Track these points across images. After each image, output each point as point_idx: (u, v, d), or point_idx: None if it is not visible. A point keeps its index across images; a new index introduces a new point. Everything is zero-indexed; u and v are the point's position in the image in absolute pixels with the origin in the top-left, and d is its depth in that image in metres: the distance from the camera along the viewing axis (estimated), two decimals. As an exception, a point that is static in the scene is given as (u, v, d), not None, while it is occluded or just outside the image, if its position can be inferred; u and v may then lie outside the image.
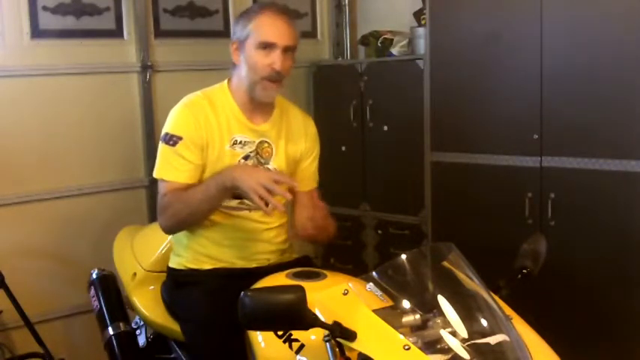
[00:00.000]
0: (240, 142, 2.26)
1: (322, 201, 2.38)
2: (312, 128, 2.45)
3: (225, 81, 2.33)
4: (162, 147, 2.23)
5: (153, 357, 2.57)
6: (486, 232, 3.06)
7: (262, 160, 2.30)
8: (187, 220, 2.23)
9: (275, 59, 2.18)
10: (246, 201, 2.22)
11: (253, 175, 2.05)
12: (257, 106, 2.29)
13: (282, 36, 2.19)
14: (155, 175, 2.25)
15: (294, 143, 2.38)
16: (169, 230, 2.30)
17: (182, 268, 2.35)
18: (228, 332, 2.02)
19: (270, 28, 2.20)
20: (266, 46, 2.19)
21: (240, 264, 2.29)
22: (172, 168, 2.20)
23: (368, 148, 3.77)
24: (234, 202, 2.23)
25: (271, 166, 2.31)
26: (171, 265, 2.40)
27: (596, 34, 2.74)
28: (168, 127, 2.24)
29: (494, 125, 3.06)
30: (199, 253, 2.30)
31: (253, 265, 2.30)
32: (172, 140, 2.19)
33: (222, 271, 2.28)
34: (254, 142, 2.28)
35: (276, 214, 2.33)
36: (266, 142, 2.31)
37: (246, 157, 2.27)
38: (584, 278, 2.83)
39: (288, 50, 2.21)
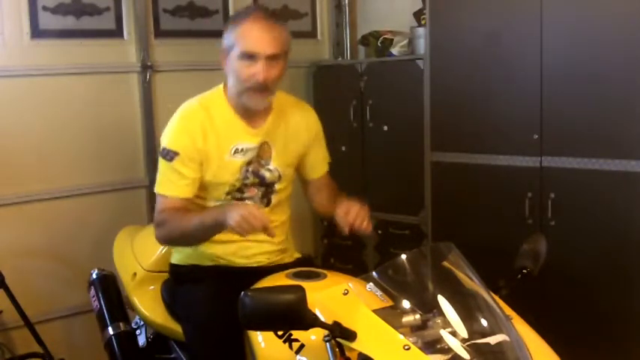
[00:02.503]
0: (242, 150, 2.25)
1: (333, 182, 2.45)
2: (312, 118, 2.43)
3: (221, 85, 2.31)
4: (160, 161, 2.24)
5: (153, 357, 2.57)
6: (486, 232, 3.06)
7: (263, 162, 2.30)
8: (180, 241, 2.28)
9: (257, 70, 2.14)
10: (246, 201, 2.26)
11: (238, 211, 2.01)
12: (253, 110, 2.28)
13: (263, 45, 2.14)
14: (155, 189, 2.26)
15: (296, 140, 2.37)
16: (163, 244, 2.36)
17: (183, 264, 2.36)
18: (228, 332, 2.02)
19: (251, 38, 2.15)
20: (249, 57, 2.15)
21: (240, 262, 2.30)
22: (170, 183, 2.21)
23: (368, 148, 3.77)
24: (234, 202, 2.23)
25: (272, 166, 2.31)
26: (173, 261, 2.41)
27: (596, 34, 2.74)
28: (165, 140, 2.23)
29: (494, 125, 3.06)
30: (200, 251, 2.31)
31: (253, 264, 2.31)
32: (169, 155, 2.20)
33: (222, 269, 2.28)
34: (255, 146, 2.28)
35: (278, 212, 2.35)
36: (266, 143, 2.30)
37: (248, 163, 2.27)
38: (584, 278, 2.82)
39: (273, 58, 2.16)
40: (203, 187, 2.26)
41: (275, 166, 2.31)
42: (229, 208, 2.05)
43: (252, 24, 2.17)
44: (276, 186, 2.33)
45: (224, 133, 2.24)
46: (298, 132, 2.38)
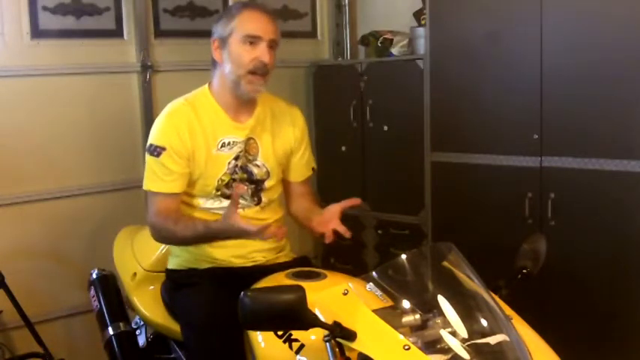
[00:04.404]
0: (229, 144, 2.27)
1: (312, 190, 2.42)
2: (299, 118, 2.46)
3: (206, 85, 2.34)
4: (147, 158, 2.26)
5: (153, 357, 2.57)
6: (486, 232, 3.06)
7: (250, 157, 2.31)
8: (175, 244, 2.32)
9: (261, 52, 2.20)
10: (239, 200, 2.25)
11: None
12: (240, 104, 2.30)
13: (267, 29, 2.22)
14: (144, 187, 2.28)
15: (282, 137, 2.39)
16: (160, 243, 2.41)
17: (180, 268, 2.35)
18: (228, 333, 2.02)
19: (255, 22, 2.23)
20: (252, 40, 2.21)
21: (237, 262, 2.30)
22: (158, 179, 2.23)
23: (368, 148, 3.76)
24: (226, 203, 2.23)
25: (259, 162, 2.32)
26: (170, 266, 2.41)
27: (596, 34, 2.74)
28: (151, 137, 2.26)
29: (494, 125, 3.06)
30: (196, 253, 2.31)
31: (250, 263, 2.31)
32: (156, 151, 2.22)
33: (220, 271, 2.28)
34: (242, 141, 2.29)
35: (269, 211, 2.36)
36: (252, 138, 2.32)
37: (236, 158, 2.28)
38: (584, 278, 2.83)
39: (272, 45, 2.24)
40: (192, 184, 2.27)
41: (263, 162, 2.33)
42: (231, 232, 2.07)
43: (253, 10, 2.26)
44: (266, 184, 2.34)
45: (210, 128, 2.26)
46: (284, 129, 2.40)
